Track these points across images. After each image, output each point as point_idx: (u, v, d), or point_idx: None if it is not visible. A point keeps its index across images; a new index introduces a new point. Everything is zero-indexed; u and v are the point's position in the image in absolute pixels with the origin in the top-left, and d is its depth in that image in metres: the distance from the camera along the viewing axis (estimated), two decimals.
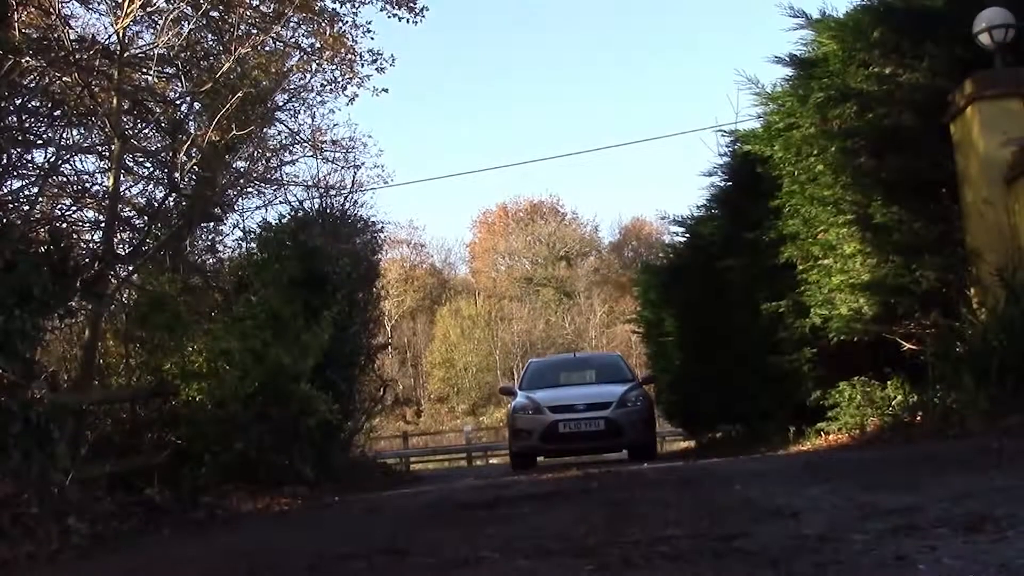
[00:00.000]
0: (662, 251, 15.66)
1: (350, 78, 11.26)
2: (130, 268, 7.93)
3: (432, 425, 32.08)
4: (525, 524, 2.64)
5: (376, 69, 11.29)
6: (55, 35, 7.33)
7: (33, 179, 7.63)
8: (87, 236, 8.56)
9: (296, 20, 10.22)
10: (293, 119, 11.80)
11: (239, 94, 7.96)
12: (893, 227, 6.62)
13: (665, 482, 4.08)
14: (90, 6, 9.07)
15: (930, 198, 6.42)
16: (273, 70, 10.34)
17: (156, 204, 8.99)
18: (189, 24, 8.39)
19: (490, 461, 20.95)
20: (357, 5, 10.68)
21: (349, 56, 10.99)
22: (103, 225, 8.09)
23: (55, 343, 8.16)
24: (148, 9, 8.10)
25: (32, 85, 7.29)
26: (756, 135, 8.57)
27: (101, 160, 8.65)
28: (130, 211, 9.34)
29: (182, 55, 8.61)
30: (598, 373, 11.99)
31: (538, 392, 11.04)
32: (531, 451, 10.79)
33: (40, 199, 7.79)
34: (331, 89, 11.43)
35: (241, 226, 11.82)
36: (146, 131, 9.09)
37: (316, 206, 10.17)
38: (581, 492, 3.91)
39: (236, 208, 10.87)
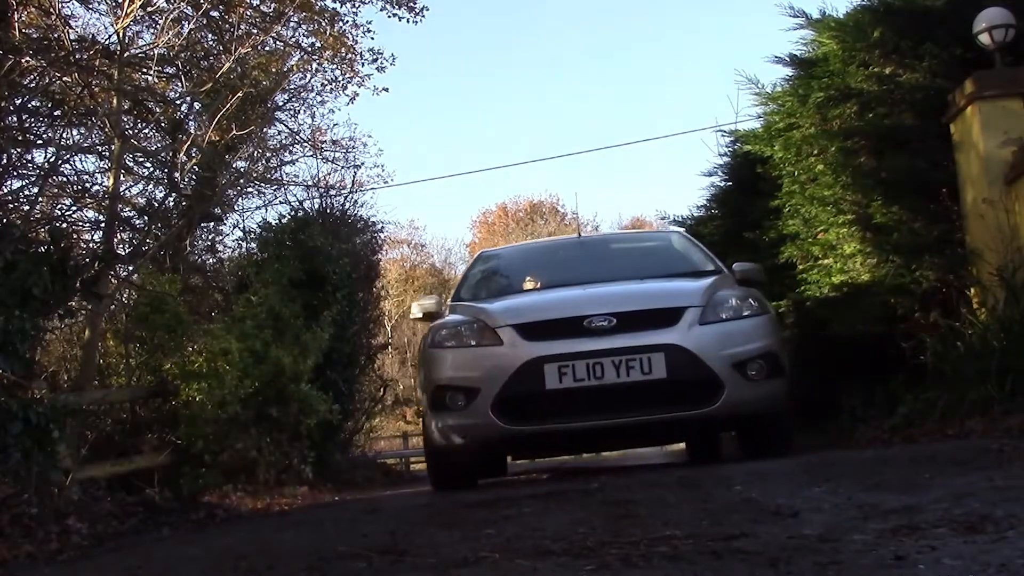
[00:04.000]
0: None
1: (350, 77, 11.31)
2: (130, 268, 7.93)
3: None
4: (525, 524, 2.64)
5: (376, 68, 11.36)
6: (55, 35, 7.33)
7: (33, 179, 7.63)
8: (87, 236, 8.58)
9: (296, 20, 10.26)
10: (293, 119, 11.85)
11: (239, 94, 7.97)
12: (893, 227, 6.62)
13: (665, 482, 4.08)
14: (90, 6, 9.10)
15: (930, 198, 6.42)
16: (273, 70, 10.36)
17: (156, 204, 9.01)
18: (189, 24, 8.41)
19: None
20: (357, 5, 10.74)
21: (349, 55, 11.04)
22: (103, 225, 8.09)
23: (55, 343, 8.18)
24: (148, 9, 8.11)
25: (32, 85, 7.29)
26: (756, 135, 8.58)
27: (101, 160, 8.66)
28: (130, 211, 9.35)
29: (182, 55, 8.63)
30: (636, 264, 6.01)
31: (496, 302, 5.36)
32: (474, 445, 4.93)
33: (40, 199, 7.79)
34: (331, 89, 11.48)
35: (241, 226, 11.88)
36: (146, 131, 9.11)
37: (316, 206, 10.18)
38: (581, 492, 3.91)
39: (236, 208, 10.91)
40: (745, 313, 4.99)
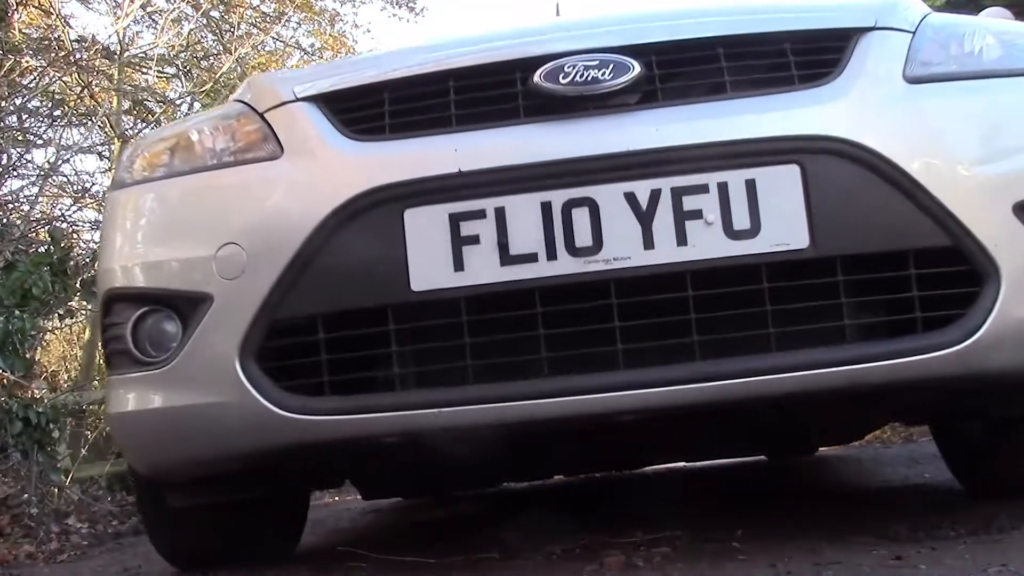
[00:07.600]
0: None
1: None
2: None
3: None
4: (525, 524, 2.64)
5: None
6: (55, 35, 7.34)
7: (33, 179, 7.64)
8: (87, 236, 8.58)
9: (296, 20, 10.27)
10: None
11: None
12: None
13: (665, 482, 4.08)
14: (90, 6, 9.12)
15: None
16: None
17: None
18: (189, 24, 8.42)
19: None
20: (357, 5, 10.76)
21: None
22: None
23: (55, 343, 8.18)
24: (148, 9, 8.13)
25: (32, 85, 7.29)
26: None
27: (101, 160, 8.67)
28: None
29: (182, 55, 8.64)
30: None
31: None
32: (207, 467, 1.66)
33: (40, 199, 7.79)
34: None
35: None
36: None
37: None
38: (581, 493, 3.92)
39: None
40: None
